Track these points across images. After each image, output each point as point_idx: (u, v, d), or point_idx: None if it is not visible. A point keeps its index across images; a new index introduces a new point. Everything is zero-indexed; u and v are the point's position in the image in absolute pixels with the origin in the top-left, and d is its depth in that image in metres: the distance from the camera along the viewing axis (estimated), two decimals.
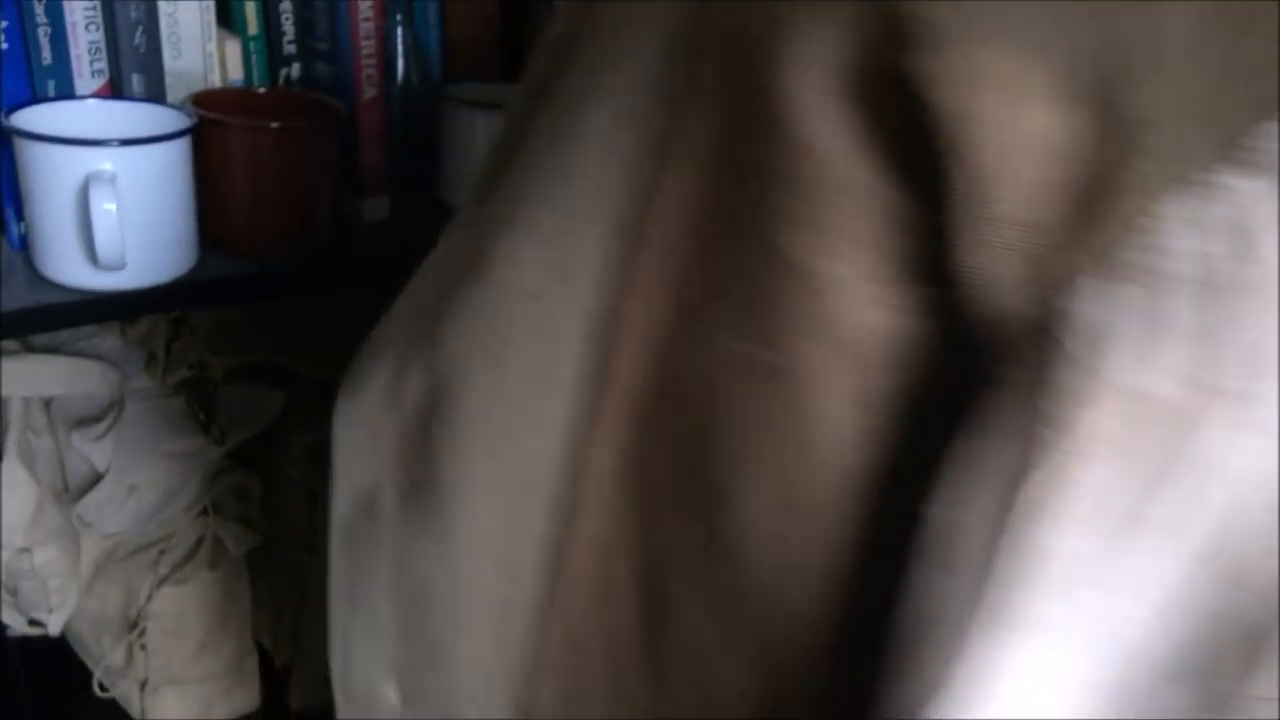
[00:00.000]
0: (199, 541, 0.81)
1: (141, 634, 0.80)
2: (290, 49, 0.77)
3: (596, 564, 0.39)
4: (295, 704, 0.90)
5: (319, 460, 0.86)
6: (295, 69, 0.78)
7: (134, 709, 0.85)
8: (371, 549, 0.45)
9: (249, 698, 0.89)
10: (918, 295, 0.29)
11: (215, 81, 0.75)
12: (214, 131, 0.68)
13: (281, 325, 0.81)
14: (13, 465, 0.77)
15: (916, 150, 0.26)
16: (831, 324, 0.30)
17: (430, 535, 0.42)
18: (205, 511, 0.82)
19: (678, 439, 0.35)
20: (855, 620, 0.32)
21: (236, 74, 0.77)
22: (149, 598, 0.80)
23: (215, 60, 0.75)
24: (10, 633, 0.84)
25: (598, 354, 0.36)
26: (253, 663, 0.88)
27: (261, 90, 0.75)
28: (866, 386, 0.31)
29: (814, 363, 0.31)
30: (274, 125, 0.69)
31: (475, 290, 0.38)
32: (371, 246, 0.76)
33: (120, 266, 0.63)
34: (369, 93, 0.76)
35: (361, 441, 0.44)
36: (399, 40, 0.79)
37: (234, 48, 0.76)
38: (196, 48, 0.74)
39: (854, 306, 0.30)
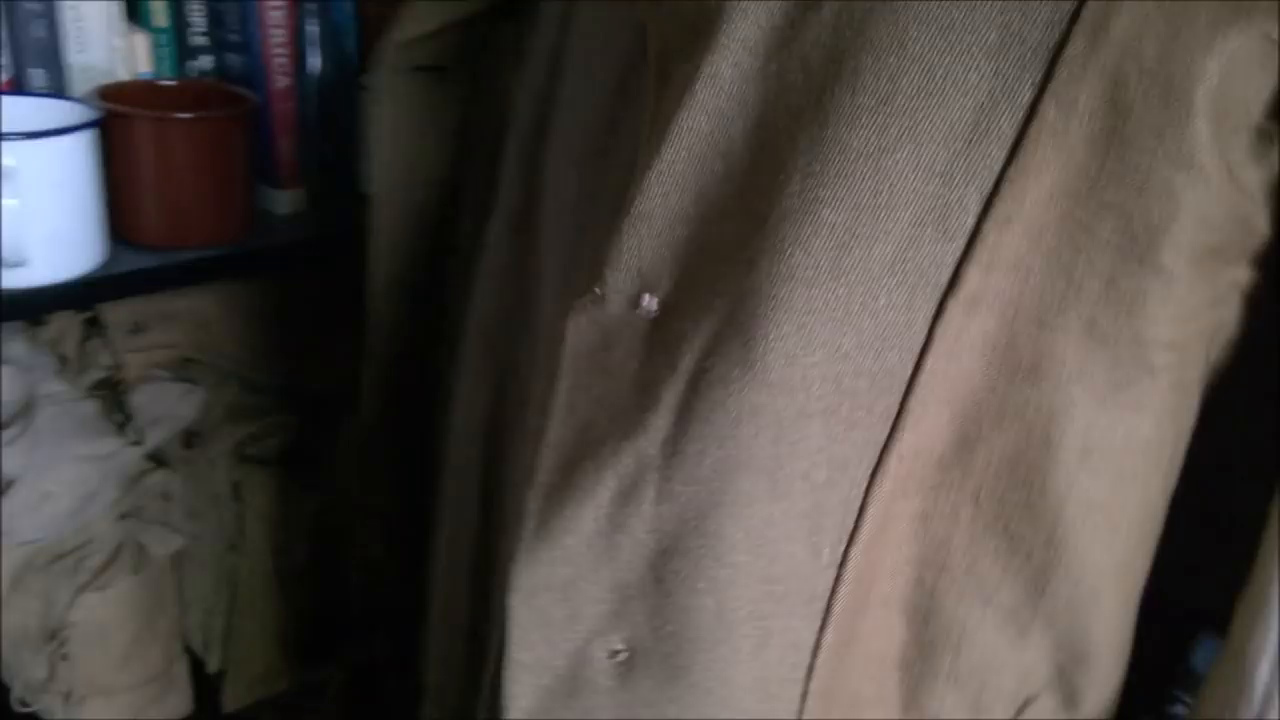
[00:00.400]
0: (120, 546, 0.79)
1: (62, 644, 0.78)
2: (200, 41, 0.76)
3: (853, 633, 0.38)
4: (228, 707, 0.88)
5: (244, 459, 0.85)
6: (207, 61, 0.77)
7: None
8: None
9: (181, 703, 0.87)
10: (1233, 282, 0.34)
11: (123, 76, 0.74)
12: (120, 124, 0.66)
13: (199, 321, 0.79)
14: None
15: None
16: (1182, 329, 0.34)
17: (676, 688, 0.37)
18: (126, 515, 0.80)
19: (993, 478, 0.36)
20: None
21: (146, 68, 0.75)
22: (69, 606, 0.77)
23: (122, 54, 0.74)
24: None
25: (887, 429, 0.35)
26: (182, 667, 0.86)
27: (170, 82, 0.74)
28: (1198, 377, 0.36)
29: (1164, 367, 0.34)
30: (182, 116, 0.67)
31: (746, 395, 0.34)
32: (289, 238, 0.75)
33: (22, 263, 0.61)
34: (281, 82, 0.75)
35: (557, 613, 0.38)
36: (311, 29, 0.78)
37: (142, 41, 0.75)
38: (102, 42, 0.73)
39: (1201, 308, 0.34)
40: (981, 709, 0.41)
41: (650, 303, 0.36)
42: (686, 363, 0.34)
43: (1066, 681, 0.41)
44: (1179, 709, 0.55)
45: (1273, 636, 0.33)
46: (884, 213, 0.31)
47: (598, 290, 0.36)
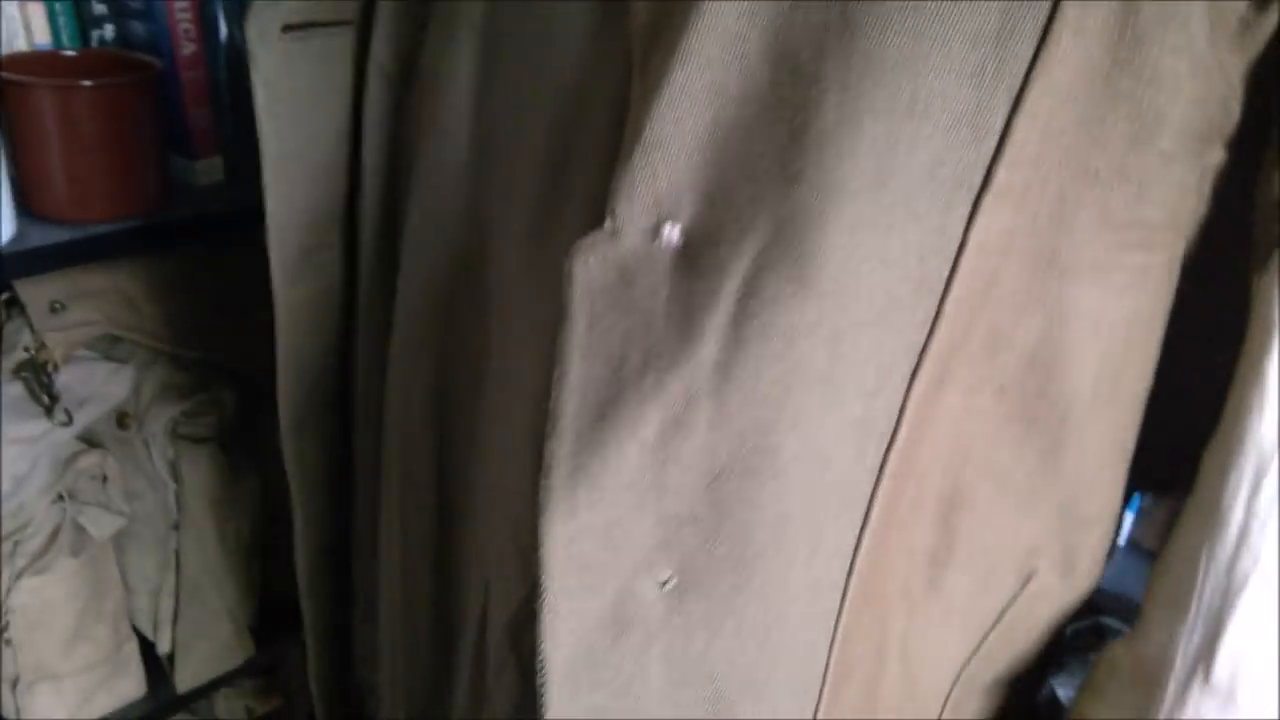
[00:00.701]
0: (58, 529, 0.78)
1: (4, 630, 0.77)
2: (101, 9, 0.74)
3: (886, 532, 0.39)
4: (182, 688, 0.88)
5: (180, 437, 0.84)
6: (109, 30, 0.75)
7: (9, 709, 0.82)
8: (619, 674, 0.38)
9: (133, 685, 0.86)
10: (1211, 162, 0.36)
11: (22, 47, 0.72)
12: (19, 94, 0.65)
13: (122, 298, 0.78)
14: None
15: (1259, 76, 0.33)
16: (1175, 209, 0.36)
17: (734, 602, 0.37)
18: (62, 497, 0.79)
19: (1015, 369, 0.37)
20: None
21: (44, 39, 0.73)
22: (8, 591, 0.77)
23: (19, 25, 0.72)
24: None
25: (926, 331, 0.35)
26: (132, 649, 0.86)
27: (71, 52, 0.72)
28: (1181, 254, 0.38)
29: (1163, 248, 0.37)
30: (82, 84, 0.66)
31: (801, 310, 0.33)
32: (205, 208, 0.74)
33: None
34: (187, 49, 0.73)
35: (599, 557, 0.37)
36: None
37: (38, 10, 0.73)
38: None
39: (1189, 187, 0.36)
40: (989, 588, 0.43)
41: (672, 232, 0.35)
42: (730, 286, 0.34)
43: (1066, 550, 0.43)
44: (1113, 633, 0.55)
45: (1247, 475, 0.34)
46: (921, 118, 0.32)
47: (609, 225, 0.35)
